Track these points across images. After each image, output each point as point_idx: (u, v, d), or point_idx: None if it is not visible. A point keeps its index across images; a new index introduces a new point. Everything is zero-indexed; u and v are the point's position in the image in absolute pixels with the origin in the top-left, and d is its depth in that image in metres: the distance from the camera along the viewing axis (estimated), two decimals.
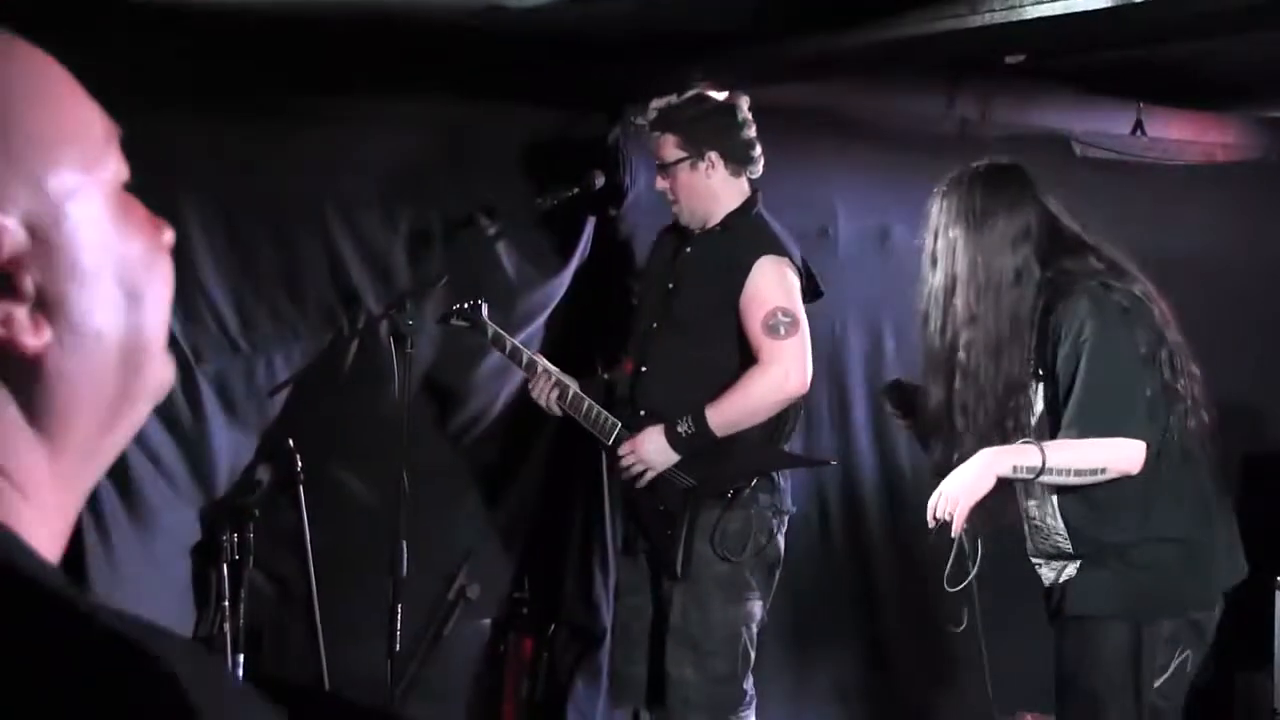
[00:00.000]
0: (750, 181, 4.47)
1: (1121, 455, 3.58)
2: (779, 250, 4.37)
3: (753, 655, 4.40)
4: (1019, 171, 3.79)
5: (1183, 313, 3.80)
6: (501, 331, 4.60)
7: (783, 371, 4.27)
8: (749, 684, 4.41)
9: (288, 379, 4.82)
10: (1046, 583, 3.86)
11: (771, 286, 4.31)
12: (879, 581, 5.83)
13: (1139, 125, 5.37)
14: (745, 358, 4.33)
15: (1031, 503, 3.81)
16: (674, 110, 4.44)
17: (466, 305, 4.62)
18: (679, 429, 4.29)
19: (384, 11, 4.15)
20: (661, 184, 4.47)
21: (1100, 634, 3.71)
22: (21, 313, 0.87)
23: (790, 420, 4.42)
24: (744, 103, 4.42)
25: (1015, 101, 5.30)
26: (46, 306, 0.88)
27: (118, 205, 0.92)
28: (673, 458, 4.33)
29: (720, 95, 4.43)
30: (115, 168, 0.93)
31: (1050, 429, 3.70)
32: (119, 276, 0.91)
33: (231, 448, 4.77)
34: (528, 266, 5.07)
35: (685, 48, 4.62)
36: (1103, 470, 3.58)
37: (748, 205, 4.44)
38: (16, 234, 0.87)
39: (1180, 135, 5.71)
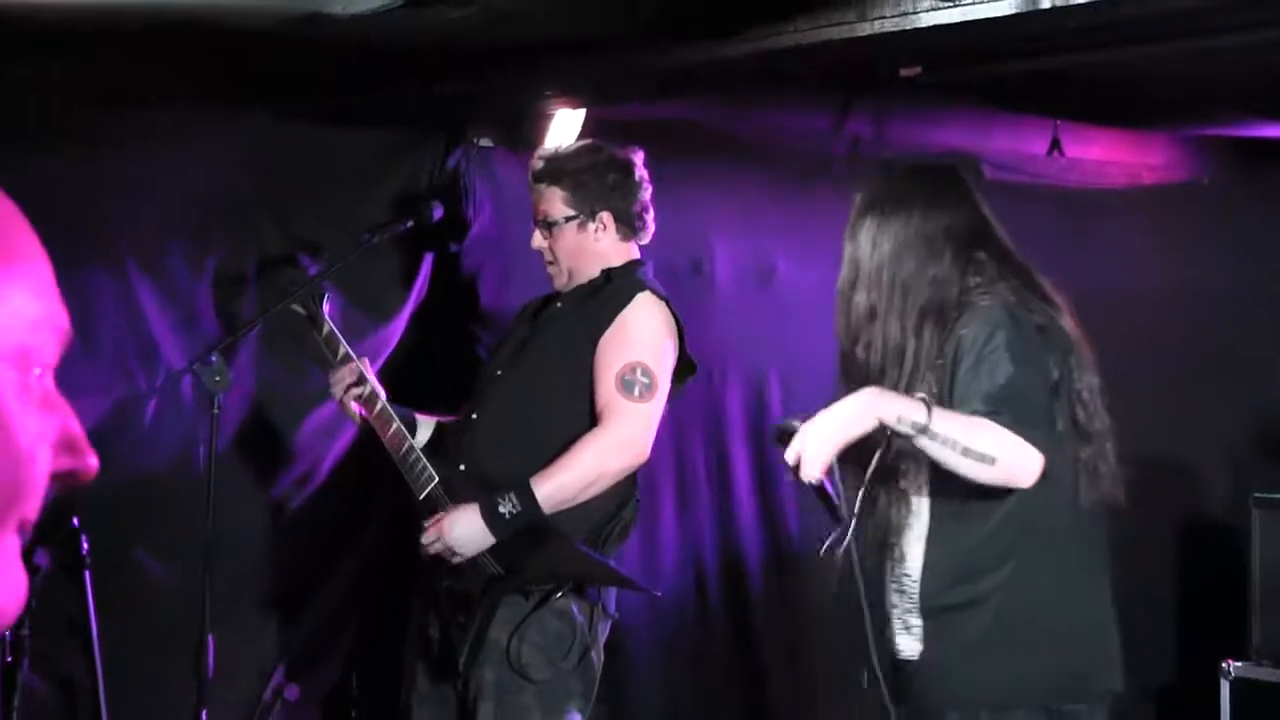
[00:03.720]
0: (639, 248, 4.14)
1: (1017, 455, 3.09)
2: (661, 295, 4.00)
3: None
4: (950, 169, 3.60)
5: (1103, 354, 3.43)
6: (337, 333, 4.18)
7: (625, 438, 3.85)
8: None
9: None
10: (904, 654, 3.38)
11: (641, 333, 3.92)
12: (765, 659, 5.57)
13: (1056, 145, 5.19)
14: (587, 424, 3.92)
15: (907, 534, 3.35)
16: (563, 160, 4.06)
17: (310, 290, 4.21)
18: (500, 509, 3.81)
19: (190, 17, 3.87)
20: (540, 242, 4.07)
21: None
22: None
23: (622, 520, 3.98)
24: (639, 159, 4.10)
25: (915, 119, 5.14)
26: None
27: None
28: (486, 543, 3.85)
29: (619, 151, 4.08)
30: (28, 341, 1.03)
31: None
32: None
33: None
34: (357, 311, 4.72)
35: (538, 59, 4.36)
36: (992, 460, 3.08)
37: (635, 263, 4.09)
38: None
39: (1102, 156, 5.65)
